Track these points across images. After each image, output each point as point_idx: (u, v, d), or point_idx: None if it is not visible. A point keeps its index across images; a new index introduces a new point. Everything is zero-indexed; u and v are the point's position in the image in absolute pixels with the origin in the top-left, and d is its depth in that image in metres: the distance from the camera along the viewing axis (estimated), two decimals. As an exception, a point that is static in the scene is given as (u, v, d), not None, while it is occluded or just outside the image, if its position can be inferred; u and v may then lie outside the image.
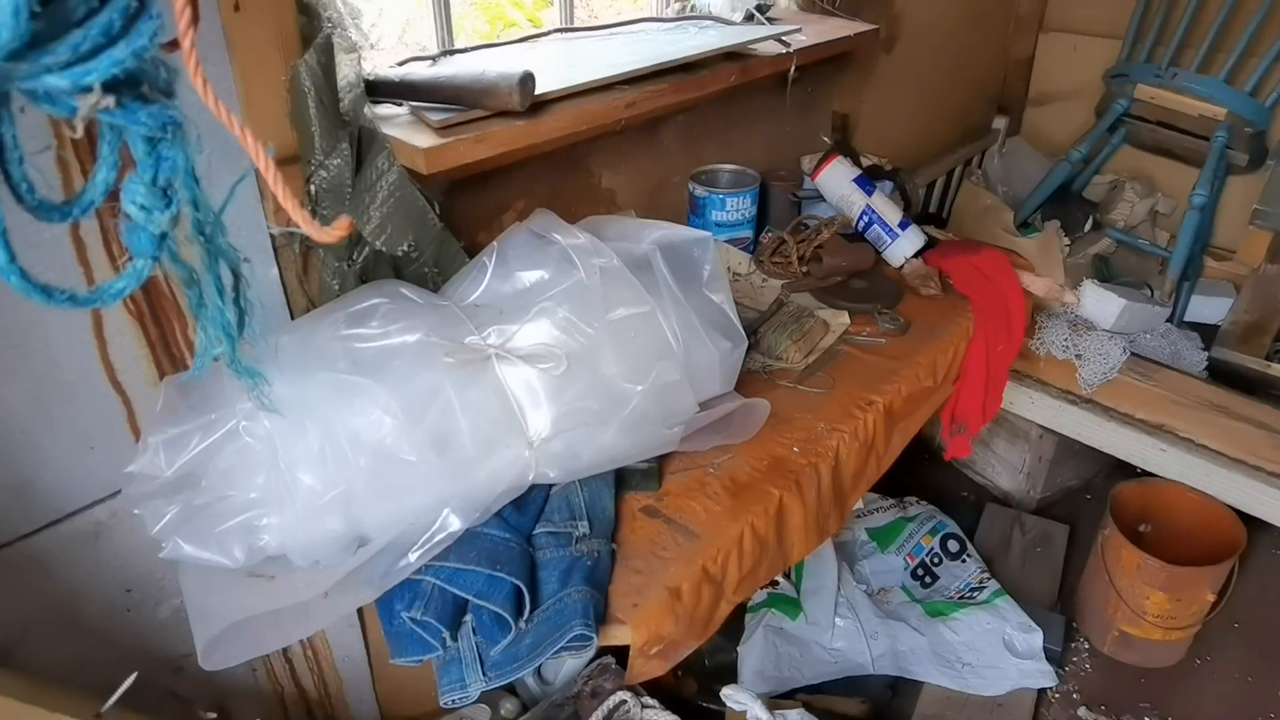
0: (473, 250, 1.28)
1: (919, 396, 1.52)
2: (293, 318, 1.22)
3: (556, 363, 1.00)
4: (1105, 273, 2.60)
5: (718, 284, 1.15)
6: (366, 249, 1.14)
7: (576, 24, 1.54)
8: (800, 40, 1.57)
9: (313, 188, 1.12)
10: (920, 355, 1.54)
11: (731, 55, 1.46)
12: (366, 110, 1.08)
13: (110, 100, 0.47)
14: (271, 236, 1.15)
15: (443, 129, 1.08)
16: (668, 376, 1.06)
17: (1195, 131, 2.50)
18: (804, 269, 1.71)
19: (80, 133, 0.47)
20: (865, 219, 1.78)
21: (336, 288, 1.20)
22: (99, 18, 0.45)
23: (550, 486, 1.08)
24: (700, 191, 1.69)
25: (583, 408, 1.02)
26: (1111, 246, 2.66)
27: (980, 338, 1.66)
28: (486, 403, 0.99)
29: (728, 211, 1.70)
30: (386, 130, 1.10)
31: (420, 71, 1.10)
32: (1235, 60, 2.31)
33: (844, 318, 1.60)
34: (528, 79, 1.07)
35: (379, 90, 1.13)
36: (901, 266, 1.79)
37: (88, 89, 0.45)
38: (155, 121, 0.50)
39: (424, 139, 1.06)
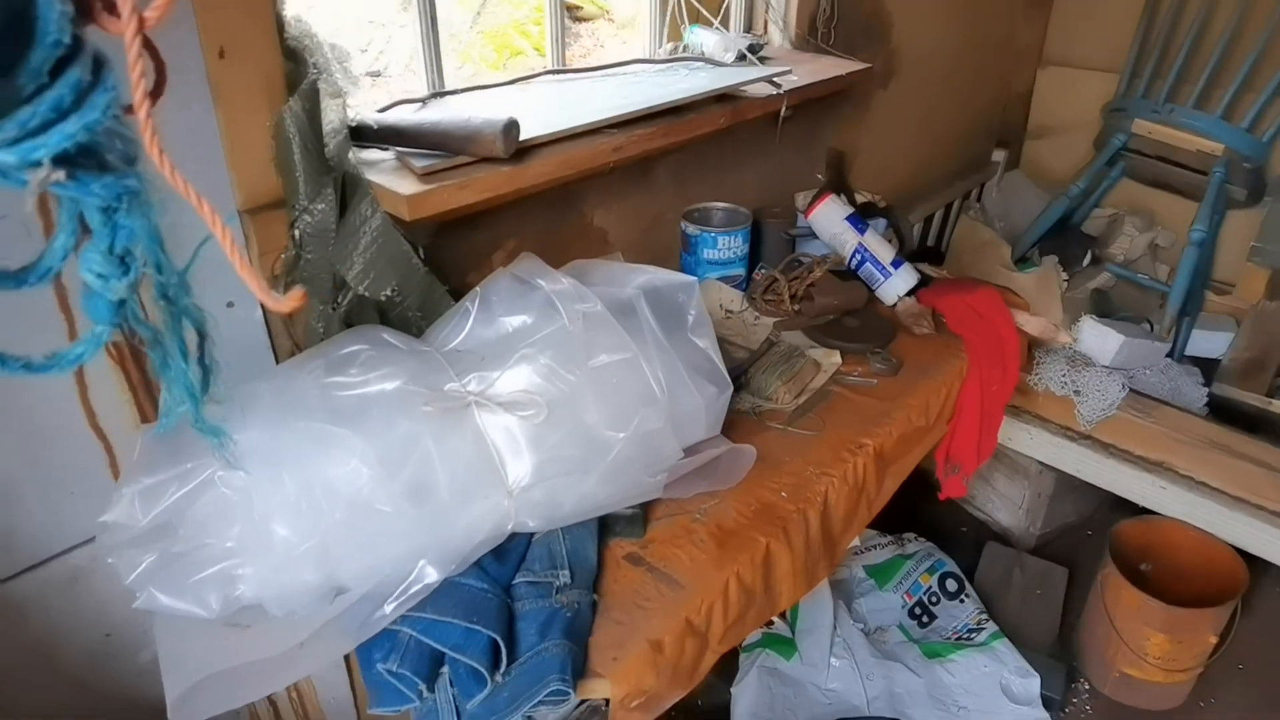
0: (461, 292, 1.28)
1: (912, 438, 1.51)
2: (277, 359, 1.22)
3: (537, 410, 0.99)
4: (1104, 307, 2.59)
5: (703, 329, 1.15)
6: (351, 293, 1.13)
7: (569, 65, 1.55)
8: (792, 81, 1.57)
9: (297, 232, 1.12)
10: (913, 396, 1.53)
11: (722, 97, 1.47)
12: (351, 155, 1.08)
13: (61, 174, 0.47)
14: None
15: (427, 175, 1.08)
16: (651, 424, 1.05)
17: (1193, 166, 2.50)
18: (795, 307, 1.70)
19: (31, 207, 0.46)
20: (858, 257, 1.78)
21: (321, 330, 1.20)
22: (49, 93, 0.45)
23: (531, 534, 1.07)
24: (692, 230, 1.69)
25: (564, 455, 1.02)
26: (1110, 281, 2.65)
27: (974, 377, 1.65)
28: (465, 451, 0.98)
29: (719, 249, 1.70)
30: (371, 176, 1.10)
31: (406, 117, 1.11)
32: (1232, 96, 2.31)
33: (835, 357, 1.59)
34: (512, 126, 1.07)
35: (364, 135, 1.13)
36: (894, 305, 1.78)
37: (37, 164, 0.45)
38: (109, 192, 0.50)
39: (407, 185, 1.06)
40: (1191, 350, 2.62)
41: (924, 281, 1.81)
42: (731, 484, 1.20)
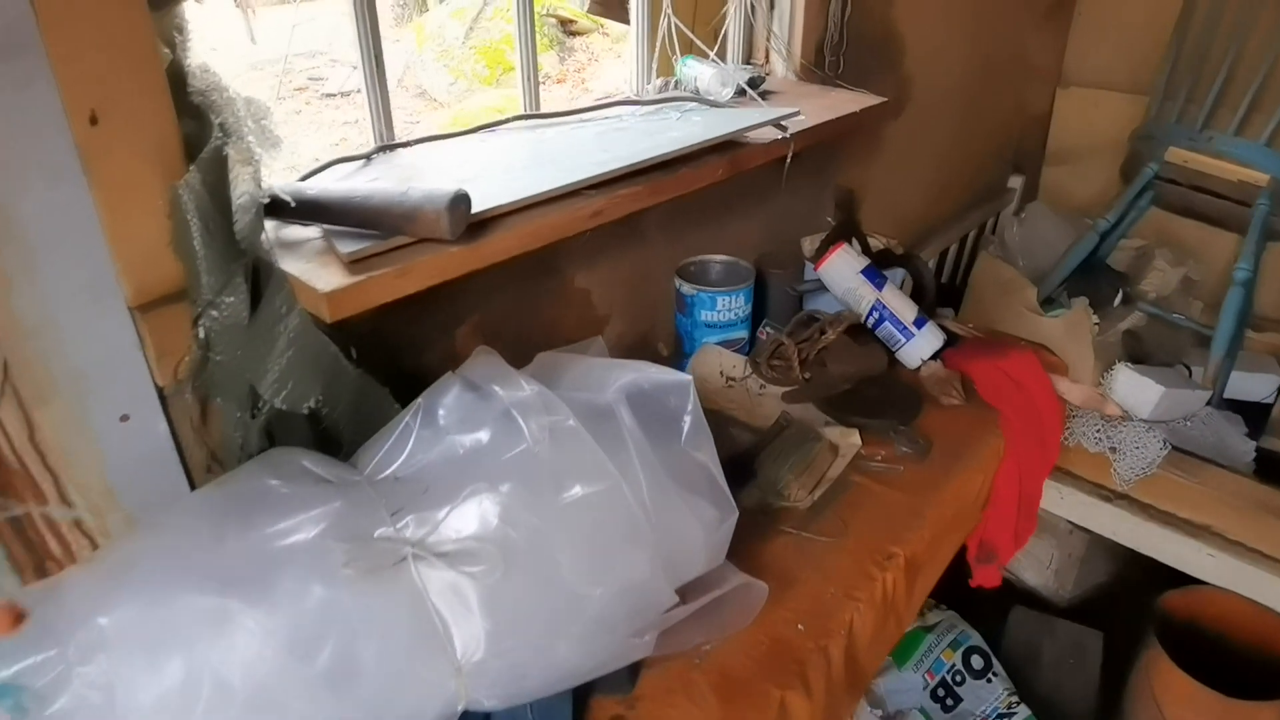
0: (416, 380, 1.08)
1: (944, 536, 1.30)
2: (189, 473, 1.01)
3: (490, 566, 0.78)
4: (1136, 350, 2.38)
5: (700, 439, 0.94)
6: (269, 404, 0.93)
7: (545, 109, 1.34)
8: (800, 122, 1.37)
9: (202, 330, 0.92)
10: (945, 487, 1.32)
11: (721, 144, 1.26)
12: (265, 237, 0.88)
13: None
14: (158, 388, 0.94)
15: (355, 262, 0.87)
16: (636, 572, 0.84)
17: (1233, 196, 2.29)
18: (806, 375, 1.50)
19: None
20: (875, 315, 1.57)
21: (239, 440, 0.99)
22: None
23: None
24: (687, 289, 1.48)
25: (527, 618, 0.81)
26: (1142, 320, 2.44)
27: (1012, 458, 1.44)
28: (399, 620, 0.77)
29: (719, 311, 1.49)
30: (289, 262, 0.89)
31: (332, 188, 0.90)
32: (1278, 122, 2.11)
33: (855, 438, 1.38)
34: (459, 201, 0.86)
35: (283, 210, 0.92)
36: (918, 369, 1.57)
37: None
38: None
39: (330, 277, 0.85)
40: (1231, 393, 2.41)
41: (950, 340, 1.60)
42: (739, 628, 0.99)
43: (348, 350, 0.93)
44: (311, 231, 0.94)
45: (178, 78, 0.92)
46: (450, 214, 0.84)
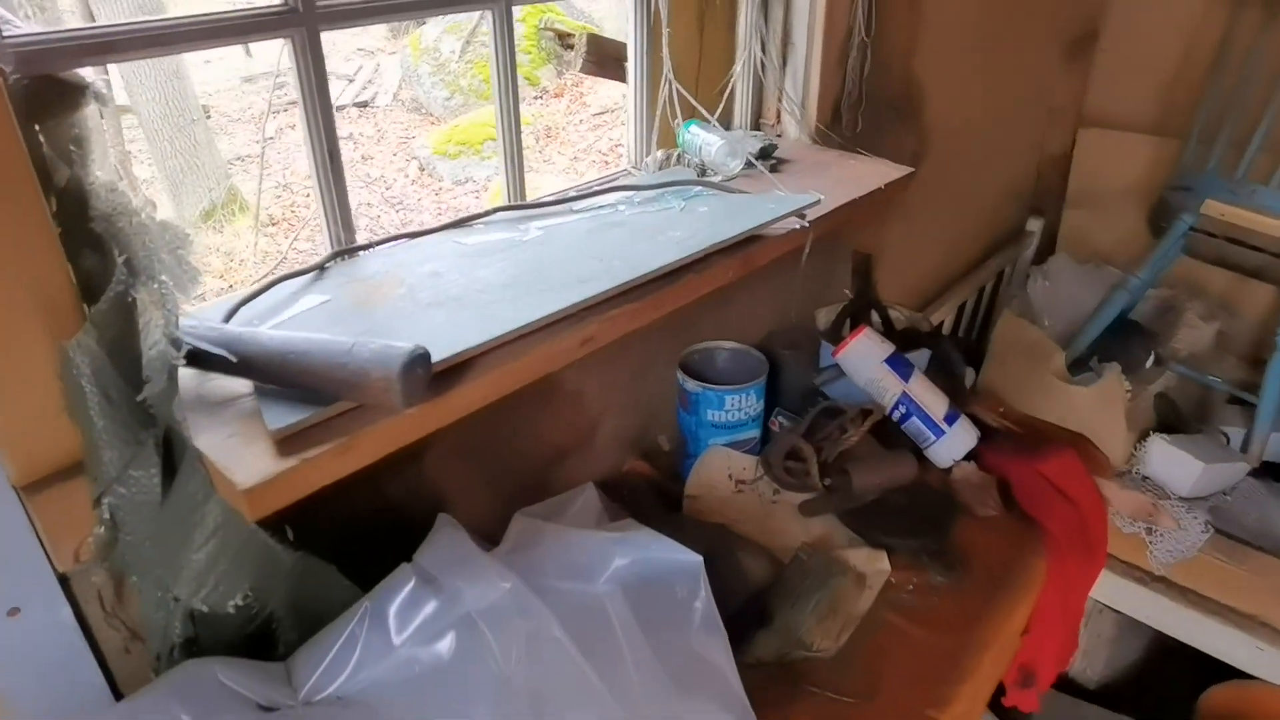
0: (380, 520, 0.92)
1: (984, 682, 1.14)
2: (103, 659, 0.84)
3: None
4: (1169, 415, 2.22)
5: (713, 635, 0.77)
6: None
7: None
8: (822, 207, 1.21)
9: (108, 510, 0.75)
10: (985, 623, 1.16)
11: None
12: (178, 402, 0.71)
13: None
14: (58, 574, 0.78)
15: (285, 440, 0.70)
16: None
17: (1272, 250, 2.14)
18: (826, 481, 1.33)
19: None
20: (902, 409, 1.41)
21: (162, 620, 0.82)
22: None
23: None
24: (692, 386, 1.32)
25: None
26: (1174, 380, 2.28)
27: (1056, 579, 1.28)
28: None
29: (727, 411, 1.33)
30: (209, 432, 0.73)
31: (266, 339, 0.74)
32: (1327, 176, 1.96)
33: (883, 562, 1.22)
34: (415, 363, 0.70)
35: (205, 361, 0.76)
36: (949, 469, 1.41)
37: None
38: None
39: (254, 461, 0.69)
40: (1271, 455, 2.25)
41: (984, 433, 1.44)
42: None
43: (283, 529, 0.77)
44: (241, 385, 0.78)
45: (77, 200, 0.76)
46: (404, 380, 0.68)
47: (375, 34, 10.78)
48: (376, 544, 0.92)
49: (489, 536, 1.17)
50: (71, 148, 0.76)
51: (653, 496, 1.35)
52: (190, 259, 0.79)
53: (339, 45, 10.52)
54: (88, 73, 0.79)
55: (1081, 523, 1.33)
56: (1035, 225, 2.72)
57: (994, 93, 2.20)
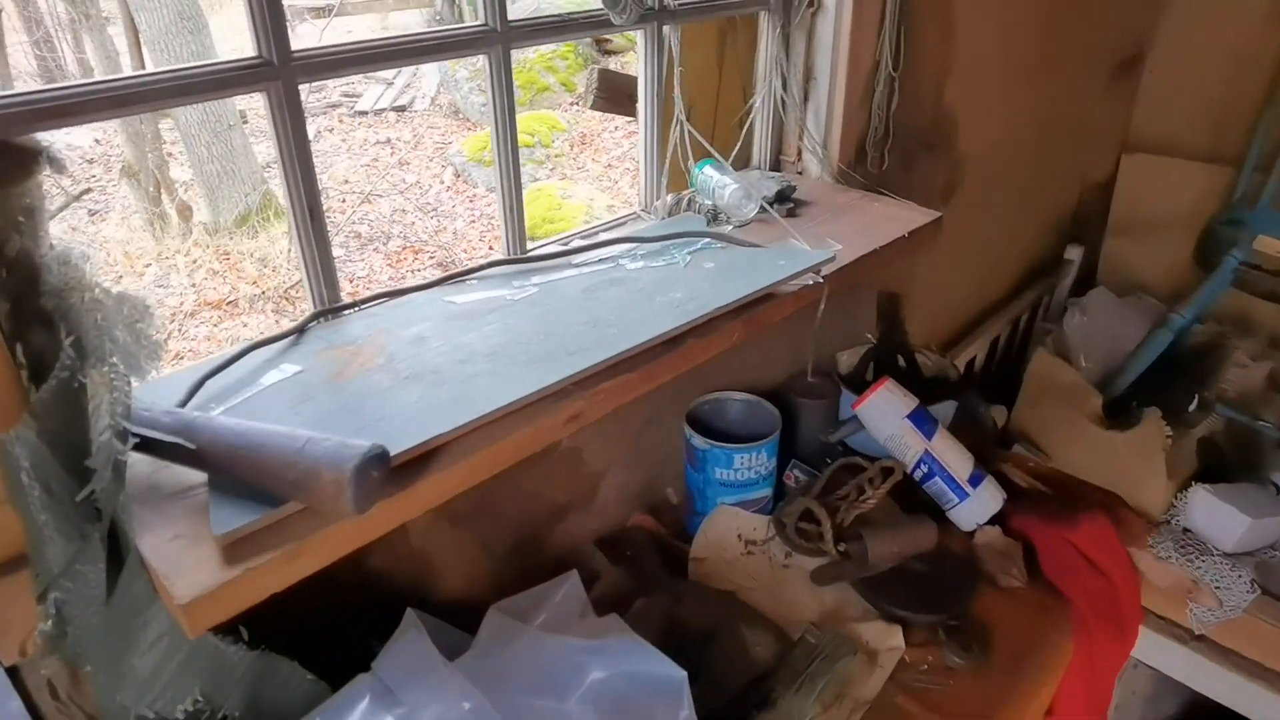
0: (353, 596, 0.86)
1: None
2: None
3: None
4: (1212, 461, 2.10)
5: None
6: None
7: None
8: (840, 259, 1.14)
9: (53, 606, 0.71)
10: (1003, 709, 1.08)
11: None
12: (122, 499, 0.66)
13: None
14: (4, 667, 0.74)
15: (232, 545, 0.65)
16: None
17: (1328, 289, 2.02)
18: (841, 547, 1.26)
19: None
20: (924, 468, 1.33)
21: (119, 713, 0.78)
22: None
23: None
24: (699, 443, 1.25)
25: None
26: (1219, 424, 2.17)
27: (1083, 658, 1.20)
28: None
29: (736, 470, 1.26)
30: (156, 530, 0.68)
31: (220, 427, 0.69)
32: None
33: (897, 638, 1.14)
34: (370, 464, 0.64)
35: (158, 448, 0.71)
36: (973, 533, 1.33)
37: None
38: None
39: (198, 567, 0.64)
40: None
41: (1010, 493, 1.35)
42: None
43: (236, 630, 0.72)
44: (194, 476, 0.73)
45: (28, 274, 0.72)
46: (356, 484, 0.63)
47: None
48: (352, 620, 0.87)
49: (479, 599, 1.12)
50: (21, 218, 0.71)
51: (657, 557, 1.28)
52: (150, 332, 0.74)
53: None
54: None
55: (1112, 597, 1.24)
56: (1074, 254, 2.60)
57: (1034, 118, 2.11)
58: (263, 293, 5.58)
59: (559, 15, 1.07)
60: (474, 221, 6.40)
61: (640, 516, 1.35)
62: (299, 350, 0.90)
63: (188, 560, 0.65)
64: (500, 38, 1.00)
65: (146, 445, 0.71)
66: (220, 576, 0.63)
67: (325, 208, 0.91)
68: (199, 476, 0.73)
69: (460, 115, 8.29)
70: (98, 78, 0.76)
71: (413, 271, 5.80)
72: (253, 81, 0.83)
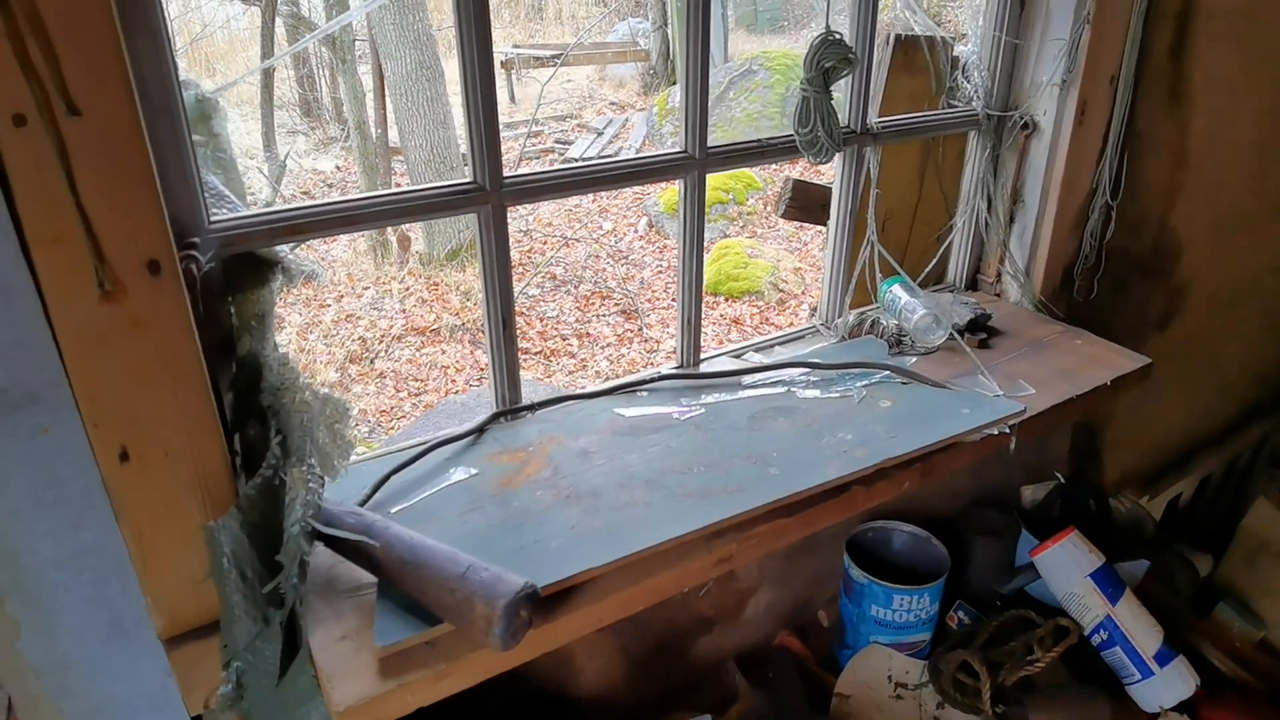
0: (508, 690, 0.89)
1: None
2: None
3: None
4: None
5: None
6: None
7: (704, 358, 1.14)
8: (1029, 399, 1.07)
9: (234, 674, 0.78)
10: None
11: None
12: (302, 596, 0.72)
13: None
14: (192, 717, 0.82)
15: (390, 658, 0.69)
16: None
17: None
18: (999, 709, 1.17)
19: None
20: (1104, 633, 1.22)
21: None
22: None
23: None
24: (858, 575, 1.21)
25: None
26: None
27: None
28: None
29: (895, 610, 1.20)
30: (326, 627, 0.73)
31: (395, 538, 0.74)
32: None
33: (1050, 831, 1.05)
34: (520, 603, 0.66)
35: (339, 545, 0.77)
36: (1155, 716, 1.20)
37: None
38: None
39: (357, 675, 0.68)
40: None
41: (1204, 678, 1.21)
42: None
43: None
44: (366, 575, 0.78)
45: (252, 372, 0.80)
46: (505, 621, 0.65)
47: (630, 89, 11.32)
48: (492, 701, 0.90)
49: (614, 702, 1.12)
50: (254, 322, 0.80)
51: (799, 685, 1.24)
52: (346, 433, 0.81)
53: (593, 99, 11.16)
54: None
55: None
56: (1316, 389, 2.31)
57: (1272, 240, 1.90)
58: (463, 324, 5.94)
59: (755, 142, 1.09)
60: (661, 272, 6.56)
61: (786, 637, 1.32)
62: (476, 450, 0.95)
63: (350, 665, 0.69)
64: (698, 164, 1.03)
65: (329, 539, 0.77)
66: (375, 688, 0.67)
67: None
68: (369, 577, 0.78)
69: (663, 166, 8.56)
70: (333, 199, 0.85)
71: (599, 316, 6.00)
72: (466, 205, 0.89)
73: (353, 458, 0.83)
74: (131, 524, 0.72)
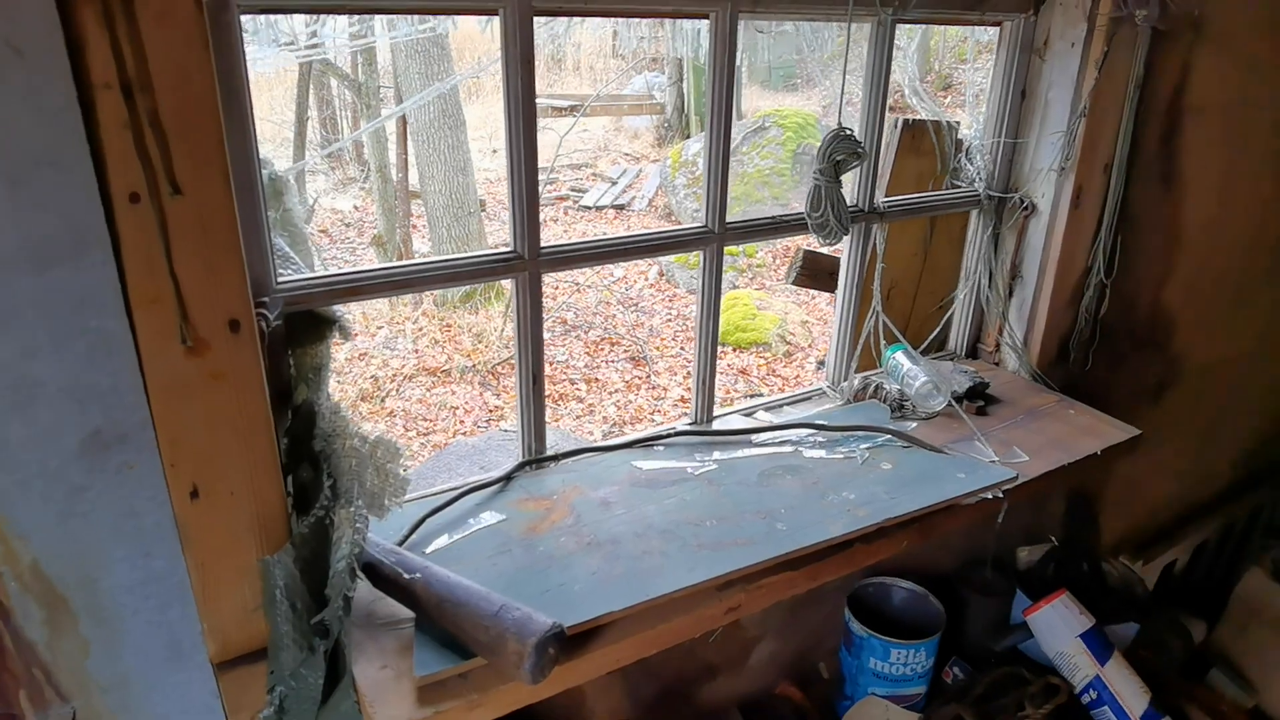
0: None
1: None
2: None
3: None
4: None
5: None
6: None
7: (717, 415, 1.21)
8: (1021, 466, 1.14)
9: (277, 698, 0.84)
10: None
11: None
12: (347, 628, 0.79)
13: None
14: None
15: (427, 687, 0.76)
16: None
17: None
18: (991, 763, 1.22)
19: None
20: (1093, 693, 1.27)
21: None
22: None
23: None
24: (858, 629, 1.27)
25: None
26: None
27: None
28: None
29: (892, 663, 1.26)
30: (369, 657, 0.80)
31: (434, 578, 0.81)
32: None
33: None
34: (550, 641, 0.73)
35: (380, 581, 0.84)
36: (1142, 775, 1.24)
37: None
38: None
39: (394, 707, 0.75)
40: None
41: (1190, 741, 1.26)
42: None
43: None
44: (404, 610, 0.85)
45: (308, 420, 0.88)
46: (535, 657, 0.72)
47: (644, 140, 11.56)
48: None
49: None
50: (311, 374, 0.88)
51: (798, 733, 1.29)
52: (399, 471, 0.88)
53: (608, 149, 11.39)
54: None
55: None
56: (1311, 461, 2.37)
57: (1263, 314, 1.98)
58: (473, 365, 6.02)
59: (770, 219, 1.18)
60: (670, 320, 6.66)
61: (787, 686, 1.37)
62: (504, 496, 1.02)
63: (390, 693, 0.76)
64: (717, 238, 1.12)
65: (374, 575, 0.84)
66: (414, 714, 0.74)
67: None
68: (408, 611, 0.85)
69: (674, 218, 8.72)
70: (388, 265, 0.93)
71: (608, 362, 6.08)
72: (506, 272, 0.98)
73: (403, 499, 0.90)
74: (196, 555, 0.79)
